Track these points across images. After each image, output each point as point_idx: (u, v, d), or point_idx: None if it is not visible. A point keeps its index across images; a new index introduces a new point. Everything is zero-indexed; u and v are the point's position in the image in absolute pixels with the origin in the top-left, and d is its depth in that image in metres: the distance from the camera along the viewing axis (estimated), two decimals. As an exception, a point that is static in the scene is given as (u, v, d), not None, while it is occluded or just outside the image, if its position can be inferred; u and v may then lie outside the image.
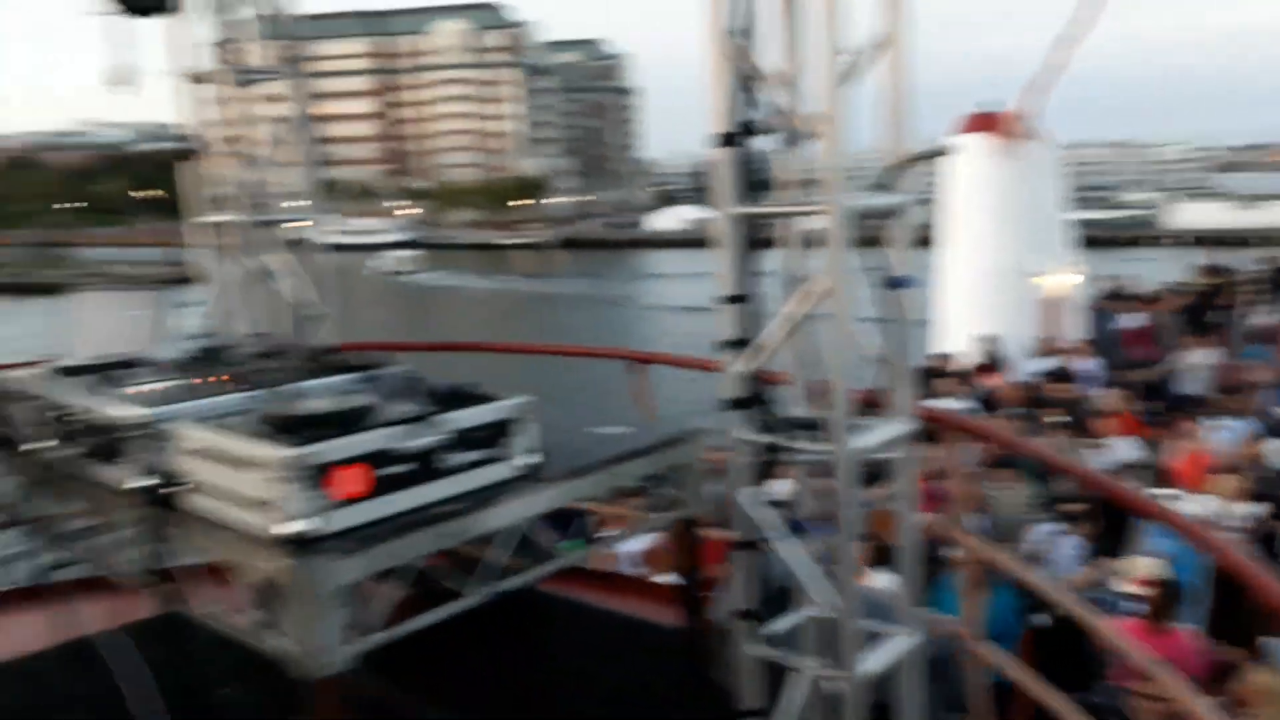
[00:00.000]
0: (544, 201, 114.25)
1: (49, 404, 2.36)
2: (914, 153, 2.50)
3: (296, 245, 3.97)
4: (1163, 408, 8.30)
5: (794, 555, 2.73)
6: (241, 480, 1.89)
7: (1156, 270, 20.00)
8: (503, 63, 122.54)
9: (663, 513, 2.70)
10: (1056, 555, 5.43)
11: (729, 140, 2.46)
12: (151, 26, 3.60)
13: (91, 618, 2.88)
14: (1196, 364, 9.16)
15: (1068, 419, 7.34)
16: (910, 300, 2.68)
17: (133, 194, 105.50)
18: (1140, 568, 4.41)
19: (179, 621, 2.21)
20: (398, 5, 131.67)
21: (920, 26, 2.51)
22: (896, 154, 2.54)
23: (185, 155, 3.82)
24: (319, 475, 1.84)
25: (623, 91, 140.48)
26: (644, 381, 4.27)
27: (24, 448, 2.39)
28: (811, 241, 2.83)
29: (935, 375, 9.60)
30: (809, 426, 2.72)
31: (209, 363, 2.56)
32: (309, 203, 3.93)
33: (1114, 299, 11.91)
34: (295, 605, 1.79)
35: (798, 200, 2.66)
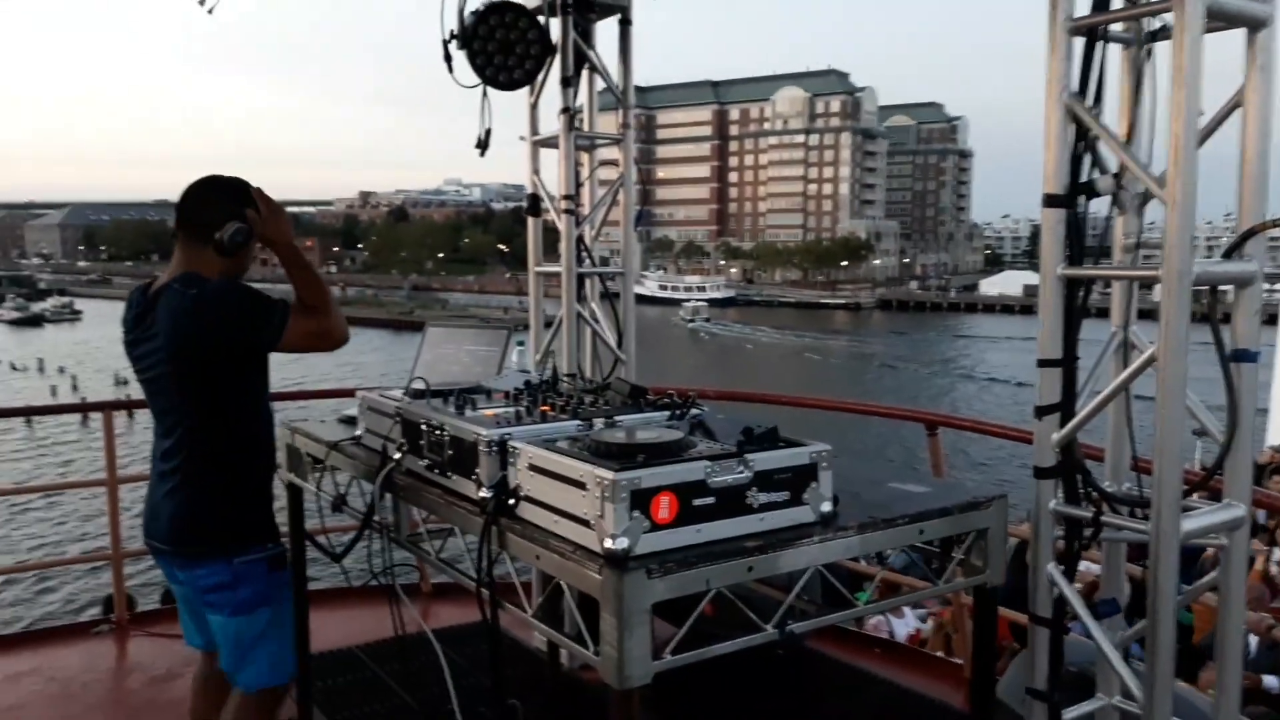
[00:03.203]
0: (867, 263, 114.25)
1: (410, 420, 2.73)
2: (1275, 219, 2.35)
3: (611, 295, 4.31)
4: None
5: (1099, 636, 2.58)
6: (571, 498, 2.09)
7: None
8: (836, 128, 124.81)
9: (957, 580, 2.63)
10: None
11: (1060, 201, 2.43)
12: (510, 99, 4.08)
13: (412, 619, 3.24)
14: None
15: None
16: (1252, 378, 2.49)
17: (499, 246, 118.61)
18: None
19: (490, 631, 2.44)
20: (746, 73, 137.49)
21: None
22: (1249, 216, 2.39)
23: (531, 212, 4.29)
24: (640, 499, 2.00)
25: (955, 154, 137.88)
26: (939, 445, 4.20)
27: (389, 456, 2.76)
28: (1144, 310, 2.70)
29: (1266, 471, 8.62)
30: (1128, 503, 2.57)
31: (537, 394, 2.84)
32: (627, 258, 4.27)
33: None
34: (611, 617, 1.95)
35: (1132, 265, 2.57)
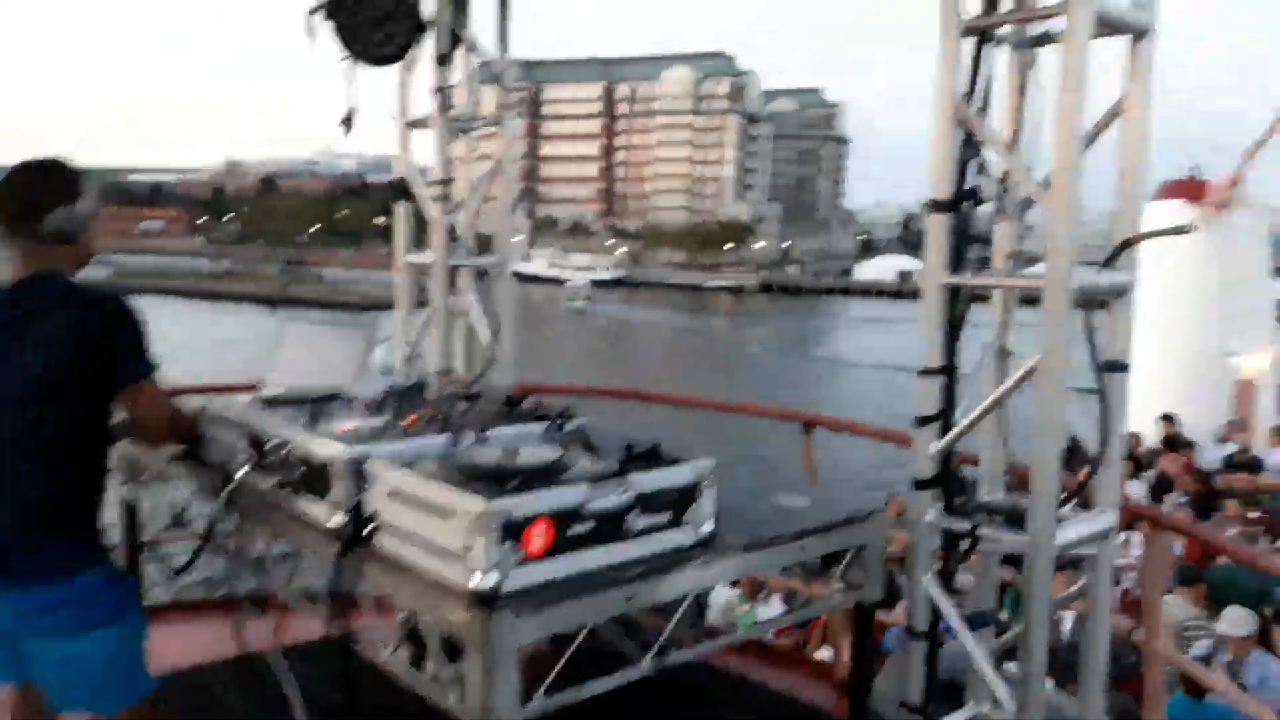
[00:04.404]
0: (749, 246, 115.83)
1: (257, 434, 2.48)
2: (1151, 230, 2.34)
3: (486, 281, 4.07)
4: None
5: (972, 648, 2.57)
6: (435, 527, 1.91)
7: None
8: (722, 110, 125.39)
9: (836, 593, 2.57)
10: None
11: (945, 206, 2.37)
12: (381, 75, 3.82)
13: (259, 635, 2.96)
14: None
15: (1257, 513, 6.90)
16: (1122, 388, 2.50)
17: (374, 221, 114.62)
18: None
19: (344, 649, 2.24)
20: (635, 52, 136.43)
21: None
22: (1126, 226, 2.38)
23: (401, 195, 4.02)
24: (512, 530, 1.84)
25: (834, 140, 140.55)
26: (811, 445, 4.20)
27: (232, 473, 2.49)
28: (1028, 298, 2.67)
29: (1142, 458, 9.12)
30: (1006, 514, 2.56)
31: (402, 402, 2.63)
32: (503, 249, 4.04)
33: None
34: (476, 660, 1.78)
35: (1013, 272, 2.54)
